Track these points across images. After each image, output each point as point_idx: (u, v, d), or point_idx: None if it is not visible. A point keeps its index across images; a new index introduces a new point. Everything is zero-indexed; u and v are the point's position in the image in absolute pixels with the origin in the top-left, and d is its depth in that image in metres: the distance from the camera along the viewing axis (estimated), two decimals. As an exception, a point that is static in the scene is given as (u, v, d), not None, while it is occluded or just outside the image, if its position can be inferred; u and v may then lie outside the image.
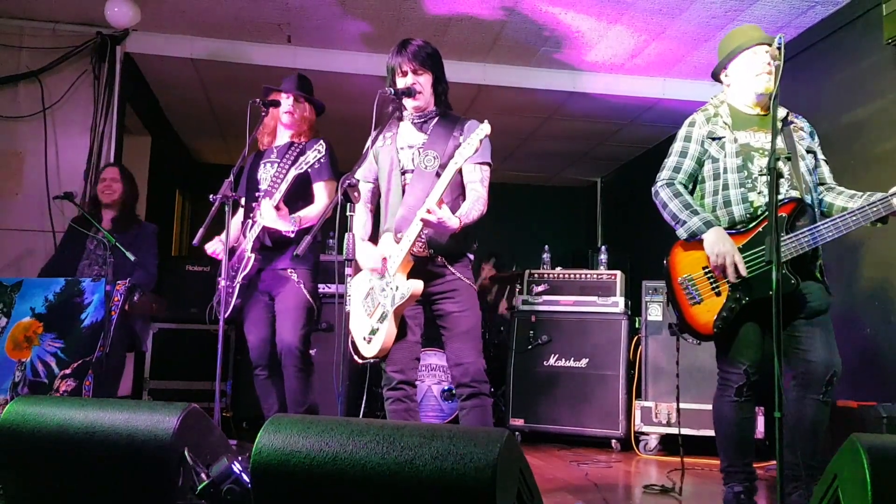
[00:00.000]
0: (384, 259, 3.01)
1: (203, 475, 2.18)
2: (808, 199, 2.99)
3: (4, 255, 5.02)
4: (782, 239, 2.83)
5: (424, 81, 3.06)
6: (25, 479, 2.27)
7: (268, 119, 3.89)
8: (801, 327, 2.95)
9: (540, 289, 5.63)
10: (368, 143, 3.12)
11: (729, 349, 3.00)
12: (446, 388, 5.93)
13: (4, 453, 2.26)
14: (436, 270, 3.02)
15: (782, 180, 2.97)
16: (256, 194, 3.81)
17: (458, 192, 3.05)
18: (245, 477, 2.14)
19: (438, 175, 2.93)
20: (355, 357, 3.08)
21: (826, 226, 2.84)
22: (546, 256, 5.87)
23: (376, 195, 3.22)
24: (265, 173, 3.83)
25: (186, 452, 2.16)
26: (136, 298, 3.91)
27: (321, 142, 3.68)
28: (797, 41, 4.99)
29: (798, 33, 5.02)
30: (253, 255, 3.66)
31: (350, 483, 1.77)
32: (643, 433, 5.10)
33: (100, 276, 3.93)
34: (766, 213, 2.92)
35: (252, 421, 5.76)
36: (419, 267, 2.99)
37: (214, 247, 3.74)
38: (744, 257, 2.92)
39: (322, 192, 3.78)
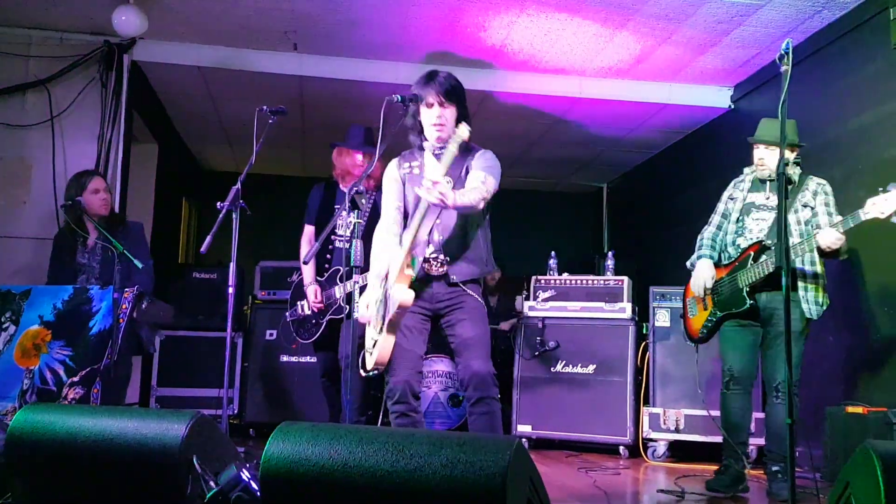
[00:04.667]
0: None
1: (212, 483, 2.17)
2: (790, 241, 3.69)
3: (13, 263, 5.03)
4: (745, 269, 3.78)
5: (449, 115, 3.13)
6: (34, 488, 2.27)
7: (338, 165, 4.49)
8: (768, 341, 3.85)
9: (547, 295, 5.61)
10: (378, 150, 3.16)
11: (721, 352, 4.01)
12: (453, 394, 5.93)
13: (14, 461, 2.26)
14: (447, 286, 3.12)
15: (762, 227, 3.87)
16: (333, 237, 4.40)
17: (463, 218, 3.13)
18: (254, 485, 2.14)
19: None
20: (360, 370, 3.15)
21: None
22: (553, 262, 5.85)
23: (405, 216, 3.27)
24: (342, 219, 4.20)
25: (195, 460, 2.15)
26: (143, 306, 3.92)
27: None
28: (804, 45, 4.97)
29: (805, 38, 5.00)
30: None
31: (359, 491, 1.76)
32: (651, 440, 5.07)
33: (107, 284, 3.94)
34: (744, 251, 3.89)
35: (259, 427, 5.76)
36: (431, 283, 3.11)
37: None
38: (721, 283, 3.93)
39: None
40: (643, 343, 5.30)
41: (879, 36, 4.30)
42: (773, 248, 3.70)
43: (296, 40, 5.42)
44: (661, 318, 5.20)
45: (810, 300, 3.73)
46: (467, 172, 3.12)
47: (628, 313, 5.40)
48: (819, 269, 3.77)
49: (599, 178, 8.93)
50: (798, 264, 3.73)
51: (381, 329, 3.01)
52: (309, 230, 4.61)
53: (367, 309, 3.15)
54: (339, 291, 4.36)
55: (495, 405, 3.04)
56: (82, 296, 3.81)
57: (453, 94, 3.13)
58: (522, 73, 5.87)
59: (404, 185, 3.26)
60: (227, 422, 3.73)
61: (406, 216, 3.23)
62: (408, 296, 2.92)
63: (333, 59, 5.67)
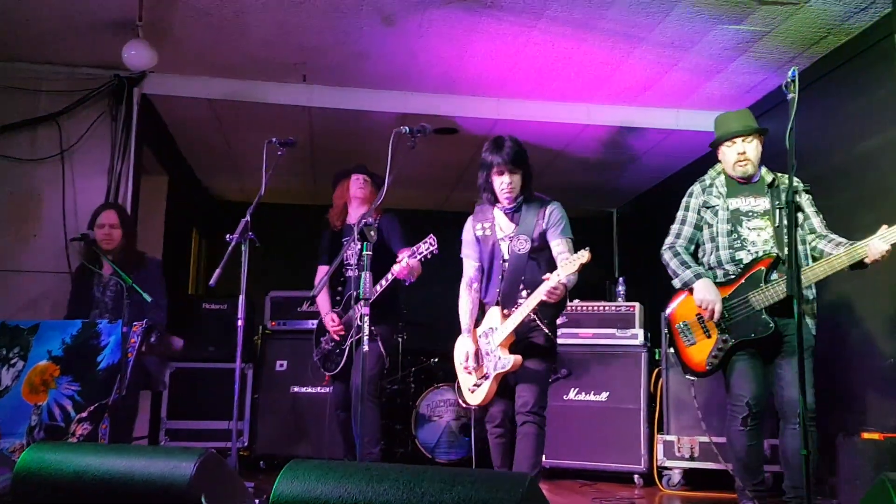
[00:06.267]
0: (476, 356, 3.68)
1: (220, 522, 2.14)
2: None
3: (21, 297, 5.03)
4: (760, 289, 3.41)
5: (517, 180, 3.59)
6: (42, 528, 2.25)
7: (338, 201, 4.69)
8: (782, 364, 3.46)
9: (558, 321, 5.56)
10: (386, 180, 3.40)
11: (731, 384, 3.52)
12: (465, 423, 5.88)
13: (21, 500, 2.24)
14: (530, 324, 3.55)
15: (765, 237, 3.52)
16: (346, 270, 4.58)
17: (551, 266, 3.56)
18: (263, 524, 2.11)
19: (531, 257, 3.59)
20: (460, 401, 3.88)
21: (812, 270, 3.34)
22: (563, 289, 5.82)
23: (481, 272, 3.77)
24: (351, 250, 4.53)
25: (203, 500, 2.13)
26: (153, 340, 3.91)
27: (394, 218, 4.57)
28: (809, 71, 4.97)
29: (810, 63, 5.00)
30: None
31: (370, 531, 1.73)
32: (666, 468, 5.01)
33: (116, 318, 3.93)
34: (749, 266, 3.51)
35: (269, 460, 5.71)
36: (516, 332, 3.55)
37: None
38: (728, 305, 3.49)
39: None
40: (656, 370, 5.25)
41: (885, 62, 4.29)
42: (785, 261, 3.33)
43: (305, 72, 5.45)
44: (674, 345, 5.15)
45: (810, 316, 3.53)
46: (540, 231, 3.60)
47: (641, 340, 5.36)
48: (814, 290, 3.58)
49: (609, 204, 8.91)
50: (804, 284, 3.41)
51: (485, 376, 3.60)
52: (323, 269, 4.75)
53: (466, 360, 3.69)
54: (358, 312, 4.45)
55: (534, 428, 3.49)
56: (90, 330, 3.80)
57: (519, 161, 3.58)
58: (530, 101, 5.88)
59: (479, 243, 3.73)
60: (236, 455, 3.71)
61: (482, 272, 3.73)
62: (519, 362, 3.51)
63: (342, 89, 5.69)
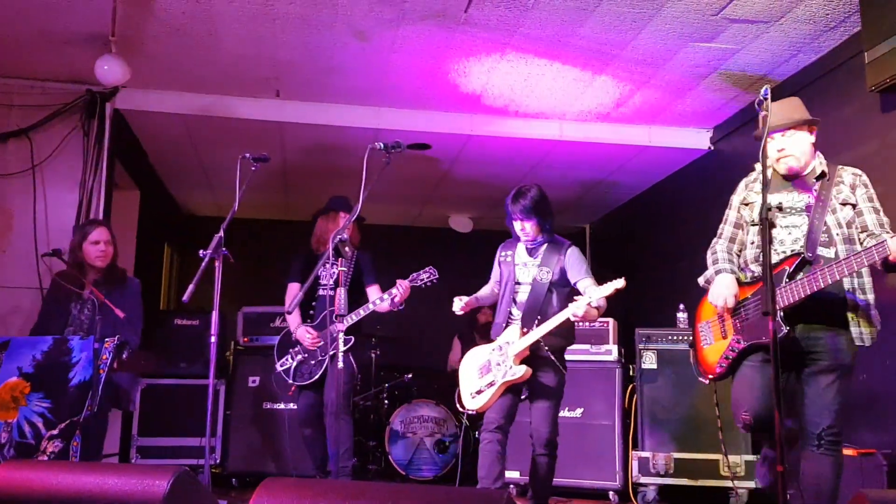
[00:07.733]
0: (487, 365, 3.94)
1: (194, 541, 2.12)
2: (832, 250, 3.11)
3: (-8, 313, 4.96)
4: (780, 287, 3.01)
5: (530, 227, 3.98)
6: (10, 549, 2.20)
7: (321, 232, 4.75)
8: (807, 378, 3.11)
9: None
10: (361, 195, 3.44)
11: (732, 388, 3.25)
12: (439, 440, 5.86)
13: (-11, 522, 2.20)
14: (542, 354, 3.86)
15: (796, 236, 3.16)
16: (319, 289, 4.69)
17: (566, 301, 3.88)
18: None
19: (550, 290, 3.94)
20: (458, 404, 4.01)
21: (823, 271, 2.94)
22: (537, 304, 5.84)
23: (496, 292, 4.18)
24: (325, 271, 4.67)
25: (177, 518, 2.10)
26: (125, 356, 3.85)
27: (371, 256, 4.76)
28: (780, 88, 5.04)
29: (782, 80, 5.08)
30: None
31: (346, 549, 1.72)
32: (641, 484, 5.02)
33: (88, 334, 3.87)
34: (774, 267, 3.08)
35: (241, 477, 5.65)
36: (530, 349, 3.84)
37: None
38: (745, 305, 3.18)
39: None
40: (630, 386, 5.27)
41: (855, 79, 4.37)
42: (815, 261, 3.08)
43: (278, 87, 5.45)
44: (648, 361, 5.17)
45: (855, 324, 3.08)
46: (561, 269, 3.95)
47: (615, 355, 5.38)
48: (871, 296, 3.09)
49: (582, 219, 8.97)
50: (847, 287, 3.06)
51: (491, 384, 3.83)
52: (294, 287, 4.74)
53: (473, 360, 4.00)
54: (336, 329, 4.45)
55: (552, 458, 3.89)
56: (62, 346, 3.74)
57: (533, 211, 3.93)
58: (503, 118, 5.92)
59: (501, 267, 4.14)
60: (209, 473, 3.66)
61: (499, 292, 4.12)
62: (528, 373, 3.80)
63: (315, 104, 5.70)
